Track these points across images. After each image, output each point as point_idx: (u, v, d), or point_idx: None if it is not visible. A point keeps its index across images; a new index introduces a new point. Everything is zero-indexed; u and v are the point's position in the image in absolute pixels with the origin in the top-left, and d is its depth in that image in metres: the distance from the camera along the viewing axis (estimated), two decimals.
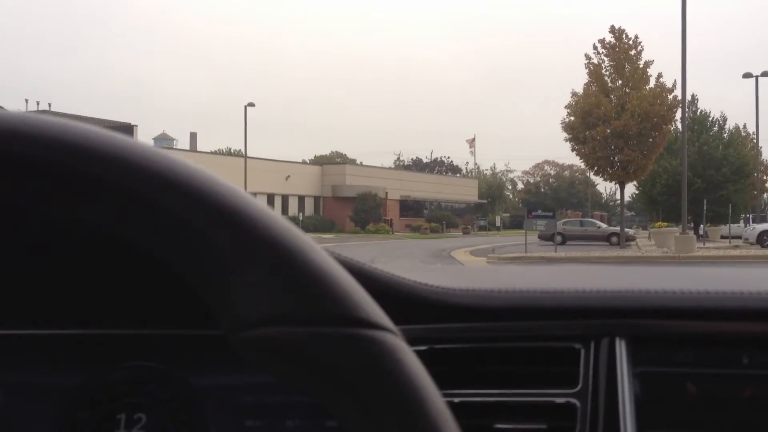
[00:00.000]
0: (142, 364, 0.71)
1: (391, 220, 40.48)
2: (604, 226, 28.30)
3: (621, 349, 0.69)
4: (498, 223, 45.83)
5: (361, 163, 44.33)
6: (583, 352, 0.70)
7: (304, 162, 42.13)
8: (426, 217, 44.63)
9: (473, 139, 62.45)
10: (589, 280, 0.78)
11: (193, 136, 49.03)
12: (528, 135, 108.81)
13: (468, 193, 51.39)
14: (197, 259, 0.28)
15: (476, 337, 0.71)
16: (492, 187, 57.85)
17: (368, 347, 0.28)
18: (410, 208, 45.50)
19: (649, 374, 0.68)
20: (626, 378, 0.67)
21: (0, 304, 0.68)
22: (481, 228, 45.90)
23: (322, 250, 0.30)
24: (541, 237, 28.74)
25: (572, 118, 20.34)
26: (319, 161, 44.42)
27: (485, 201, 52.80)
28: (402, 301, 0.68)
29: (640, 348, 0.70)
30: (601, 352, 0.69)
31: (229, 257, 0.28)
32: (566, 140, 20.67)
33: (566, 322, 0.71)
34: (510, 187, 65.87)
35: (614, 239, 26.44)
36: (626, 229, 29.00)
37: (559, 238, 27.72)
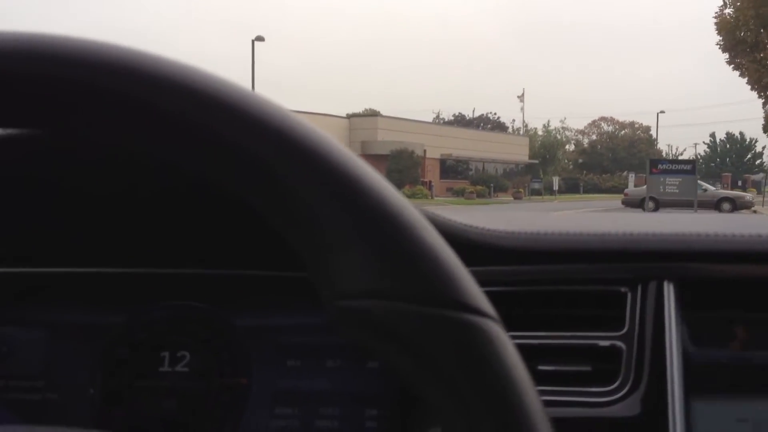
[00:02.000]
0: (185, 304, 0.71)
1: (430, 182, 34.45)
2: (712, 188, 21.94)
3: (669, 292, 0.68)
4: (555, 186, 39.36)
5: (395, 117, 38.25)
6: (629, 295, 0.70)
7: (328, 115, 35.86)
8: (471, 179, 38.46)
9: (522, 94, 55.64)
10: (639, 224, 0.76)
11: None
12: (582, 93, 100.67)
13: (518, 152, 44.92)
14: (307, 227, 0.28)
15: (522, 280, 0.71)
16: (546, 146, 51.21)
17: (468, 333, 0.27)
18: (452, 169, 39.37)
19: (697, 318, 0.68)
20: (674, 322, 0.66)
21: (43, 242, 0.70)
22: (534, 192, 39.56)
23: (434, 230, 0.29)
24: (627, 203, 22.32)
25: (733, 10, 12.21)
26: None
27: (537, 161, 46.38)
28: (448, 241, 0.57)
29: (689, 292, 0.69)
30: (648, 296, 0.69)
31: (338, 228, 0.28)
32: (722, 47, 13.93)
33: (613, 265, 0.71)
34: (568, 147, 58.78)
35: (726, 206, 19.99)
36: (740, 193, 22.50)
37: (651, 205, 21.30)
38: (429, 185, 33.62)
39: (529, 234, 0.73)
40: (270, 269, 0.70)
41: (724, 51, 13.60)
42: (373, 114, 36.84)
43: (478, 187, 35.46)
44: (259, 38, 27.34)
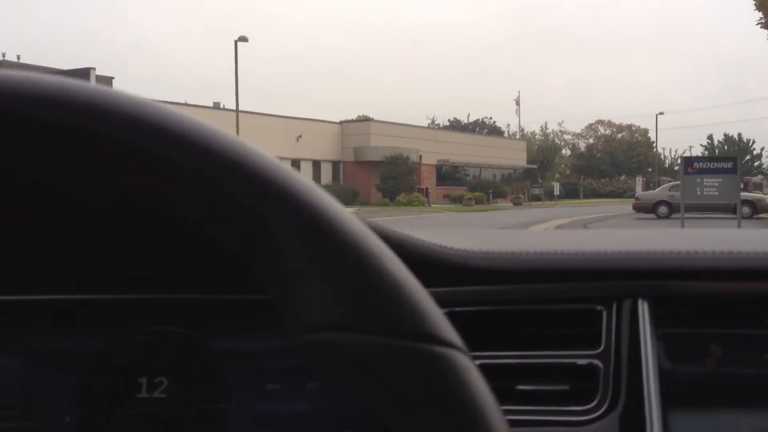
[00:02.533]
0: (162, 329, 0.71)
1: (427, 189, 33.11)
2: None
3: (643, 310, 0.69)
4: (556, 192, 37.98)
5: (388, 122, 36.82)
6: (605, 313, 0.70)
7: (318, 120, 34.35)
8: (468, 185, 37.08)
9: (518, 97, 54.43)
10: (613, 242, 0.77)
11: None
12: (577, 96, 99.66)
13: (515, 157, 43.65)
14: (272, 260, 0.28)
15: (497, 299, 0.71)
16: (543, 150, 49.92)
17: (435, 363, 0.27)
18: (448, 175, 37.99)
19: (672, 335, 0.69)
20: (649, 339, 0.67)
21: (20, 269, 0.69)
22: (534, 198, 38.21)
23: (398, 261, 0.29)
24: (638, 208, 20.96)
25: None
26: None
27: (535, 166, 45.06)
28: (421, 263, 0.66)
29: (663, 309, 0.69)
30: (623, 314, 0.69)
31: (302, 261, 0.27)
32: (762, 24, 12.56)
33: (587, 283, 0.71)
34: (564, 151, 57.43)
35: (746, 209, 18.63)
36: (760, 195, 21.18)
37: (664, 209, 19.92)
38: (426, 192, 32.21)
39: (504, 254, 0.72)
40: (247, 293, 0.69)
41: (764, 28, 12.45)
42: (365, 119, 35.37)
43: (477, 194, 34.10)
44: (243, 38, 25.90)
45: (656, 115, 49.11)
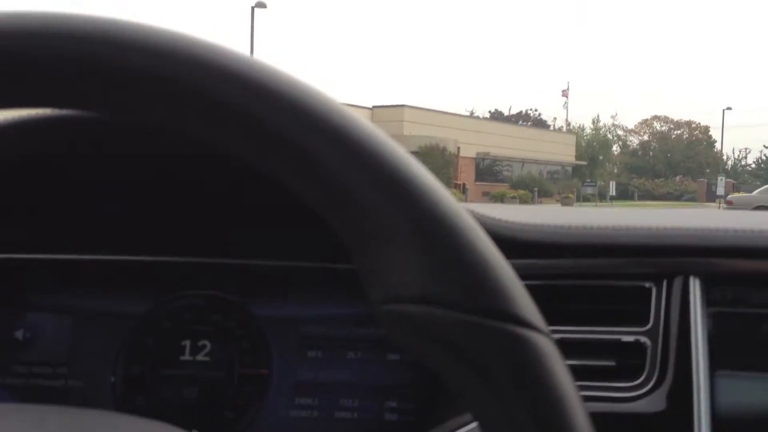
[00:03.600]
0: (207, 293, 0.73)
1: (464, 184, 29.31)
2: None
3: (695, 288, 0.68)
4: (612, 191, 33.85)
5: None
6: (654, 290, 0.70)
7: (346, 104, 30.68)
8: (510, 182, 33.16)
9: (567, 89, 50.02)
10: (664, 219, 0.77)
11: None
12: (633, 89, 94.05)
13: (563, 152, 39.54)
14: (357, 226, 0.28)
15: (544, 274, 0.71)
16: (593, 146, 45.59)
17: (518, 345, 0.27)
18: (488, 170, 34.14)
19: (723, 314, 0.68)
20: (699, 317, 0.66)
21: (69, 229, 0.71)
22: (586, 198, 34.09)
23: (489, 239, 0.29)
24: None
25: None
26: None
27: (584, 163, 40.88)
28: None
29: (715, 287, 0.69)
30: (673, 291, 0.69)
31: (389, 229, 0.27)
32: None
33: (638, 259, 0.71)
34: (615, 148, 52.80)
35: None
36: None
37: None
38: (463, 188, 28.44)
39: (555, 227, 0.72)
40: (291, 260, 0.72)
41: None
42: (399, 105, 31.70)
43: (520, 192, 30.21)
44: (260, 4, 22.52)
45: (723, 110, 44.41)
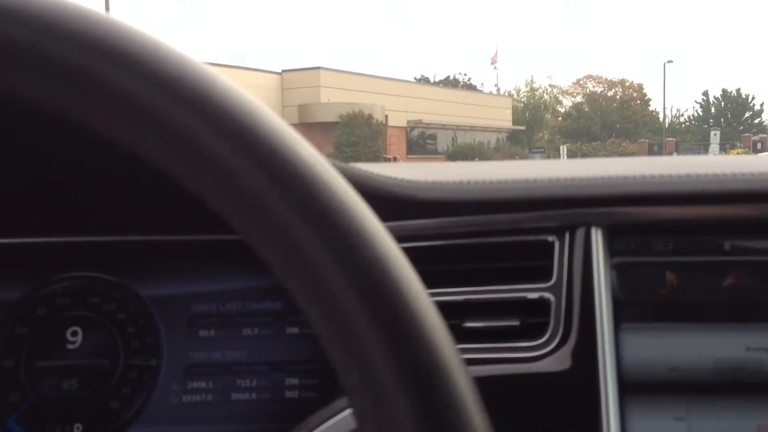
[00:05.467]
0: (85, 275, 0.67)
1: (395, 158, 25.08)
2: None
3: (597, 238, 0.66)
4: (563, 156, 30.44)
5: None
6: (557, 244, 0.67)
7: (250, 69, 25.76)
8: (446, 153, 29.17)
9: (495, 55, 46.33)
10: (564, 170, 0.73)
11: None
12: (565, 49, 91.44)
13: (498, 117, 35.94)
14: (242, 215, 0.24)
15: (444, 233, 0.68)
16: (530, 109, 42.24)
17: None
18: (418, 142, 30.03)
19: (626, 264, 0.66)
20: (602, 269, 0.64)
21: None
22: None
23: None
24: None
25: None
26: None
27: (522, 128, 37.45)
28: (363, 195, 0.62)
29: (617, 237, 0.67)
30: (576, 244, 0.66)
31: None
32: None
33: (539, 213, 0.68)
34: (554, 108, 49.65)
35: None
36: None
37: None
38: (394, 162, 24.38)
39: (452, 183, 0.69)
40: (176, 234, 0.67)
41: None
42: (313, 68, 26.95)
43: (459, 163, 26.27)
44: None
45: (664, 63, 41.72)
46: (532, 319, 0.64)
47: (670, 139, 41.06)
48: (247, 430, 0.65)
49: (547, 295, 0.65)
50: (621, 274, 0.65)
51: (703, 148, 35.38)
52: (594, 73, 54.63)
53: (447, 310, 0.55)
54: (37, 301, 0.66)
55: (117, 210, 0.66)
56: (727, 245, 0.66)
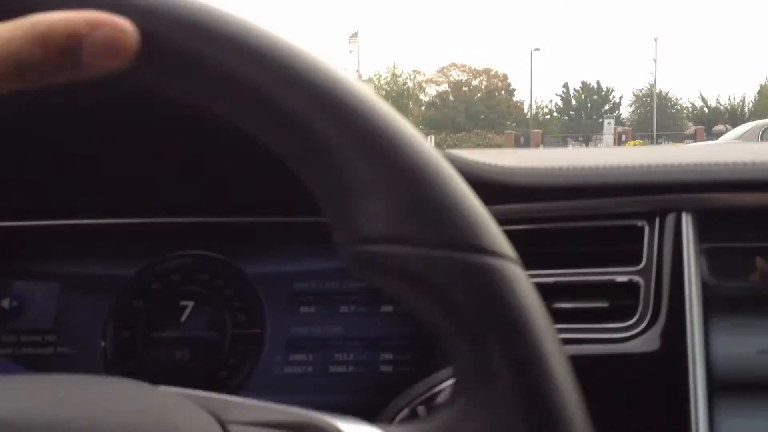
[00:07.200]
0: (196, 253, 0.72)
1: None
2: None
3: (687, 224, 0.67)
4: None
5: None
6: (647, 229, 0.68)
7: None
8: None
9: (355, 34, 42.14)
10: (655, 156, 0.75)
11: None
12: (427, 35, 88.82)
13: None
14: (328, 171, 0.27)
15: (535, 217, 0.70)
16: (393, 96, 38.46)
17: (484, 274, 0.27)
18: None
19: (716, 250, 0.67)
20: (692, 254, 0.65)
21: (55, 193, 0.70)
22: None
23: (455, 173, 0.29)
24: None
25: None
26: None
27: None
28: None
29: (708, 223, 0.67)
30: (666, 229, 0.68)
31: (360, 171, 0.27)
32: None
33: (630, 198, 0.69)
34: (410, 102, 46.19)
35: None
36: None
37: None
38: None
39: (544, 170, 0.71)
40: (280, 215, 0.71)
41: None
42: None
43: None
44: None
45: (531, 51, 39.51)
46: (621, 302, 0.65)
47: (536, 130, 38.98)
48: (345, 401, 0.68)
49: (636, 278, 0.66)
50: (710, 259, 0.66)
51: (561, 141, 33.39)
52: (458, 62, 51.91)
53: (538, 291, 0.60)
54: (153, 277, 0.70)
55: (224, 193, 0.70)
56: None
